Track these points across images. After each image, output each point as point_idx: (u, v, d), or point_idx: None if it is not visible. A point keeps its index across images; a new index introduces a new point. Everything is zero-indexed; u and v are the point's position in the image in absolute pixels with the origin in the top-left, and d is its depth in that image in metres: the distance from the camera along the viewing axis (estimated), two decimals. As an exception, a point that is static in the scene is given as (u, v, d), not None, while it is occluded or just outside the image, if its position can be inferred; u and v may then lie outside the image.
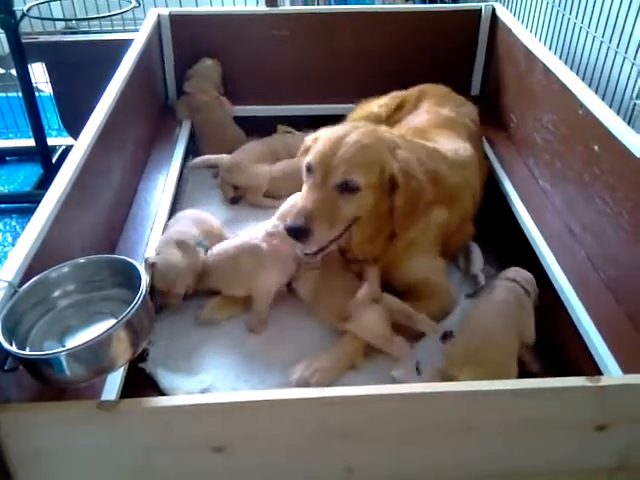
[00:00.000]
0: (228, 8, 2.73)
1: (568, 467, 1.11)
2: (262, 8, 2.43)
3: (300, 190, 2.03)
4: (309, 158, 1.46)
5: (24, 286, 1.09)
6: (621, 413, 1.05)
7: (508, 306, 1.40)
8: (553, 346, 1.46)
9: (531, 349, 1.41)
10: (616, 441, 1.08)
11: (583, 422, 1.05)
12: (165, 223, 1.72)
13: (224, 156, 2.09)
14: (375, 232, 1.53)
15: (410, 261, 1.59)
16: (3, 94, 3.13)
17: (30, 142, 2.84)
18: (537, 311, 1.46)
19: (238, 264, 1.54)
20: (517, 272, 1.50)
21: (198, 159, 2.16)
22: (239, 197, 2.04)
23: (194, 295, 1.59)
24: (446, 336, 1.45)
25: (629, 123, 1.82)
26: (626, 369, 1.23)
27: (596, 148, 1.54)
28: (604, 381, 1.03)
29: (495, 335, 1.34)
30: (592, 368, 1.29)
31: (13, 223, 2.67)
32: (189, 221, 1.69)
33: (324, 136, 1.49)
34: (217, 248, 1.62)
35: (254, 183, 2.02)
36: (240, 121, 2.32)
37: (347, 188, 1.41)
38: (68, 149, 2.62)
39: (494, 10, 2.35)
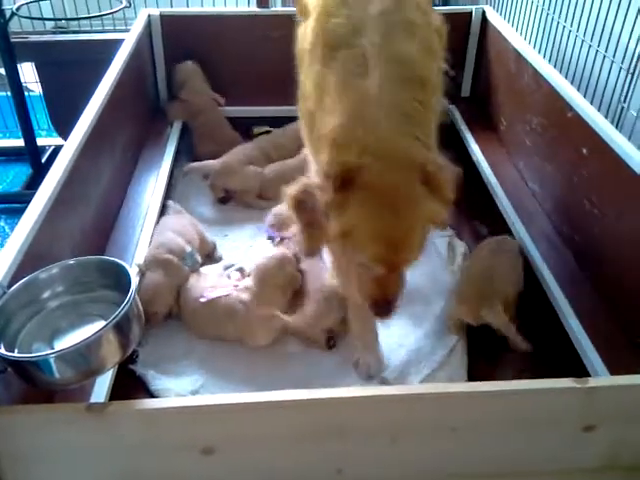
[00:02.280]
0: (219, 9, 2.73)
1: (556, 467, 1.12)
2: (253, 9, 2.43)
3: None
4: (363, 257, 1.18)
5: (13, 287, 1.08)
6: (608, 414, 1.06)
7: (508, 251, 1.57)
8: (541, 347, 1.47)
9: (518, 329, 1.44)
10: (604, 441, 1.09)
11: (571, 423, 1.06)
12: (154, 225, 1.71)
13: (211, 162, 2.05)
14: None
15: None
16: (-8, 94, 3.11)
17: (19, 142, 2.82)
18: (526, 313, 1.48)
19: (224, 329, 1.48)
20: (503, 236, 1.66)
21: (191, 167, 2.08)
22: (229, 197, 2.03)
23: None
24: (330, 340, 1.48)
25: (617, 126, 1.84)
26: (613, 370, 1.25)
27: (584, 151, 1.56)
28: (592, 382, 1.04)
29: (502, 270, 1.51)
30: (580, 369, 1.30)
31: (2, 224, 2.65)
32: (174, 233, 1.64)
33: (362, 213, 1.15)
34: (192, 304, 1.51)
35: (245, 186, 2.01)
36: (230, 122, 2.32)
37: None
38: (57, 149, 2.60)
39: (484, 13, 2.36)
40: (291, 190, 1.25)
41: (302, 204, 1.23)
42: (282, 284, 1.54)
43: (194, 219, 1.81)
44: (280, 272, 1.54)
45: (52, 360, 0.98)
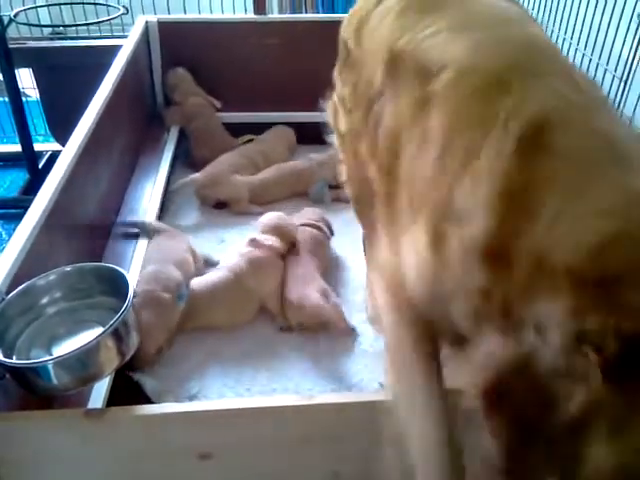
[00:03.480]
0: (216, 15, 2.74)
1: (550, 472, 1.13)
2: (250, 16, 2.45)
3: (286, 195, 2.03)
4: None
5: (11, 294, 1.09)
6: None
7: None
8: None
9: None
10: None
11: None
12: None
13: (195, 175, 2.01)
14: None
15: None
16: (-10, 99, 3.11)
17: (16, 147, 2.82)
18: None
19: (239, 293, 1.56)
20: None
21: (178, 184, 2.01)
22: (224, 204, 2.02)
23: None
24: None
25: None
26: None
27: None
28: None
29: None
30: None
31: (-1, 229, 2.66)
32: (171, 265, 1.54)
33: None
34: (202, 290, 1.53)
35: (234, 196, 1.99)
36: (227, 128, 2.33)
37: None
38: (55, 154, 2.61)
39: (479, 20, 2.38)
40: (475, 376, 0.70)
41: (505, 402, 0.67)
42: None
43: (187, 240, 1.72)
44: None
45: (50, 366, 0.98)
